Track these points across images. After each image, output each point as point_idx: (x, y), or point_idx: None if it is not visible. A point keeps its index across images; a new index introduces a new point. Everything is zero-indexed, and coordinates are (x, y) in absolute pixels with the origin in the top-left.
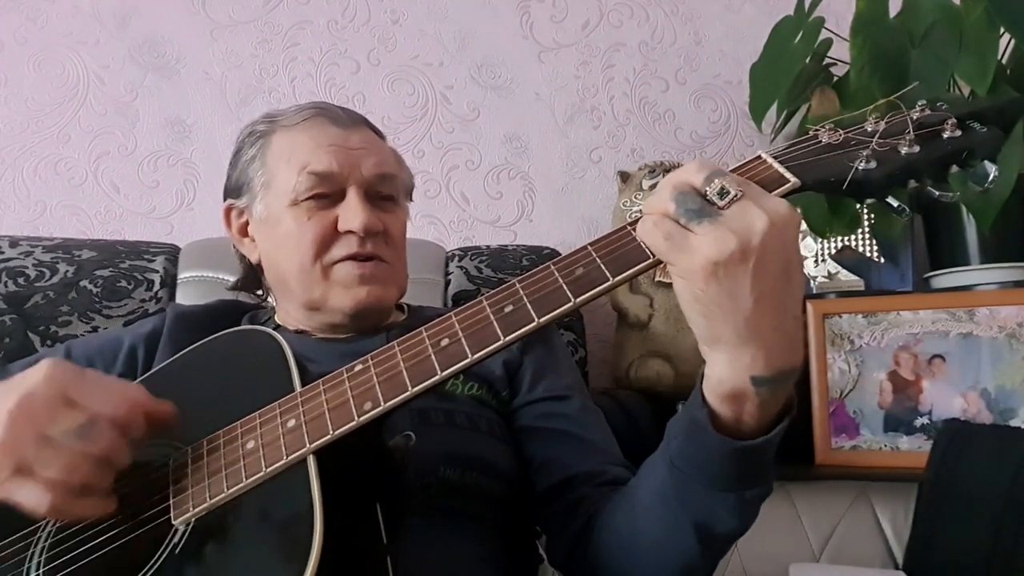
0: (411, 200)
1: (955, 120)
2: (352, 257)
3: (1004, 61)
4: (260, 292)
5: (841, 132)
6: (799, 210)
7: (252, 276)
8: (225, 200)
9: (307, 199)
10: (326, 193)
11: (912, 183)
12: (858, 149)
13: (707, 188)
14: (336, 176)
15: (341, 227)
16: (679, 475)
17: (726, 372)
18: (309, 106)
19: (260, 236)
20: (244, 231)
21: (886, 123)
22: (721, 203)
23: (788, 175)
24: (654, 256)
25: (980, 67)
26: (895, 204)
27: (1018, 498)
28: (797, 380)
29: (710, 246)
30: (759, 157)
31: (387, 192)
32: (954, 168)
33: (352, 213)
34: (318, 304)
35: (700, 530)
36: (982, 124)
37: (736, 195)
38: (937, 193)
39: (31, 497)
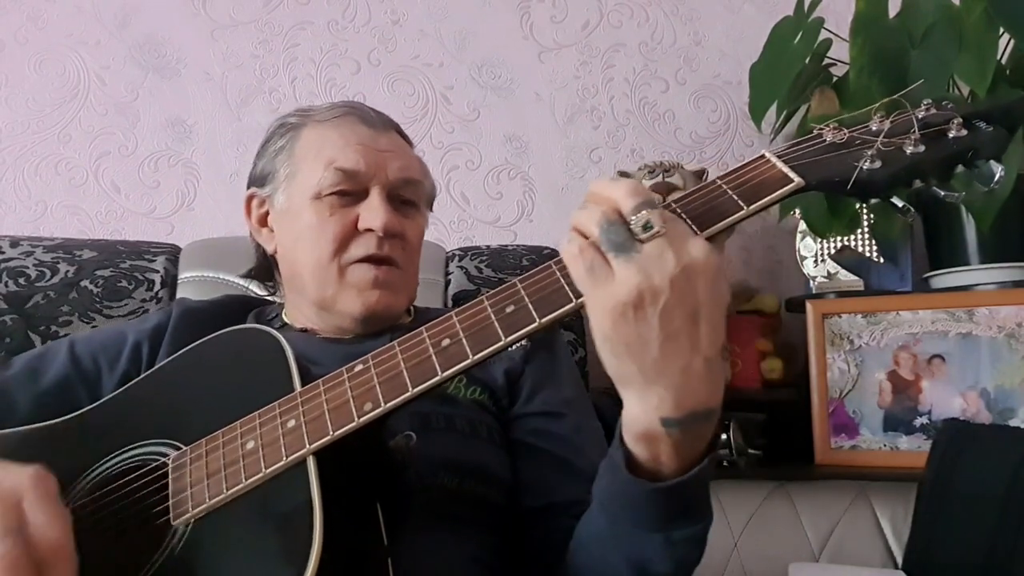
0: (431, 210)
1: (961, 119)
2: (369, 258)
3: (1004, 61)
4: (271, 284)
5: (846, 131)
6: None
7: (265, 267)
8: (248, 188)
9: (330, 194)
10: (350, 190)
11: (917, 183)
12: (863, 148)
13: (633, 217)
14: (362, 175)
15: (361, 225)
16: (606, 514)
17: (636, 412)
18: (342, 104)
19: (279, 227)
20: (263, 221)
21: (891, 122)
22: (643, 236)
23: (792, 175)
24: None
25: (980, 67)
26: (900, 204)
27: (1018, 498)
28: (718, 419)
29: (620, 286)
30: (763, 156)
31: (409, 197)
32: (959, 168)
33: (373, 212)
34: (329, 304)
35: (635, 570)
36: (988, 123)
37: (658, 231)
38: (943, 193)
39: None
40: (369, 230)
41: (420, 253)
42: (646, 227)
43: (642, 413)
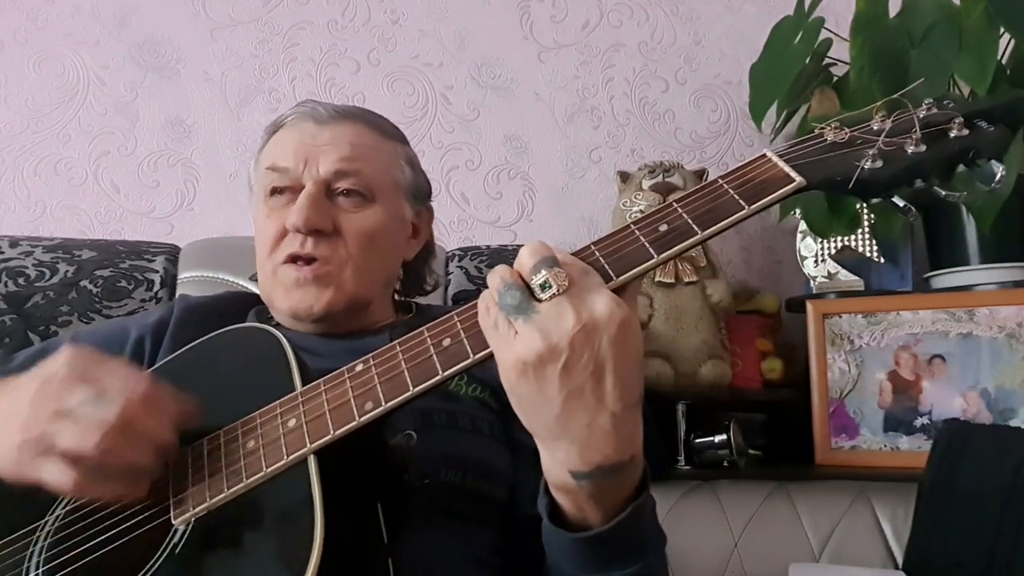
0: (420, 201)
1: (962, 119)
2: (294, 258)
3: (1004, 61)
4: None
5: (847, 131)
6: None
7: None
8: None
9: (271, 195)
10: (282, 188)
11: (918, 182)
12: (864, 148)
13: (533, 277)
14: (292, 171)
15: (286, 224)
16: (549, 549)
17: (547, 464)
18: (302, 103)
19: None
20: None
21: (892, 122)
22: (543, 296)
23: (794, 174)
24: (658, 256)
25: (980, 67)
26: (901, 204)
27: (1018, 498)
28: (637, 470)
29: (521, 344)
30: (764, 156)
31: (348, 188)
32: (960, 167)
33: (293, 210)
34: (268, 301)
35: None
36: (989, 123)
37: (557, 290)
38: (943, 193)
39: (54, 474)
40: (294, 229)
41: (374, 247)
42: (544, 287)
43: (551, 465)
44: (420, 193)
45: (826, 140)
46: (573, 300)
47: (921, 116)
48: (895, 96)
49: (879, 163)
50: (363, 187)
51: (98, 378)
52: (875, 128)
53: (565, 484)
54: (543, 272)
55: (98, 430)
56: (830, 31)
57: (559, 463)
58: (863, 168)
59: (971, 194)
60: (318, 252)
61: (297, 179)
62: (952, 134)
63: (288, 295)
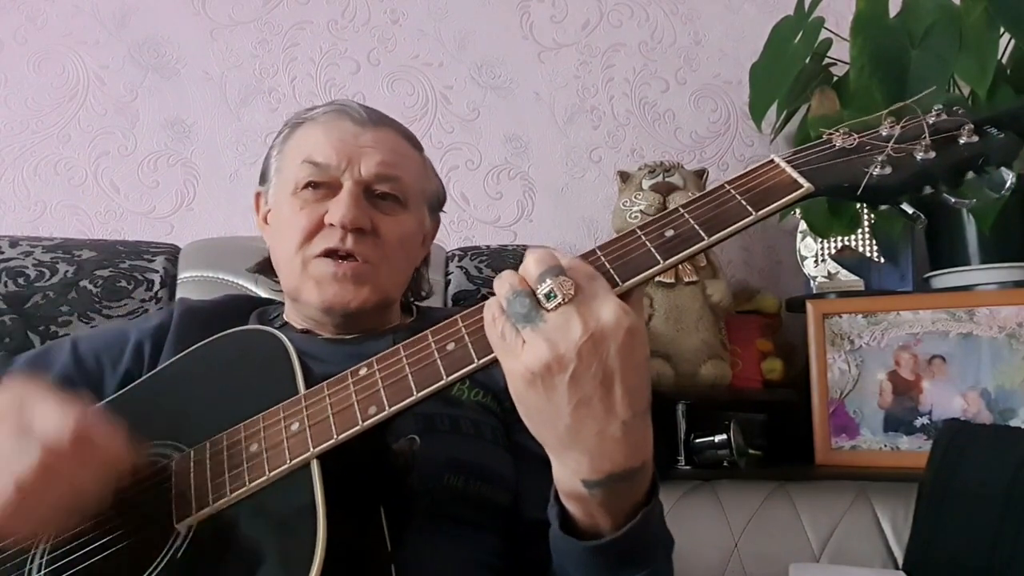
0: (442, 211)
1: (972, 125)
2: (331, 253)
3: (1004, 61)
4: (277, 279)
5: (855, 136)
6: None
7: (270, 263)
8: (258, 186)
9: (304, 188)
10: (320, 183)
11: (927, 189)
12: (873, 154)
13: (539, 286)
14: (332, 168)
15: (326, 219)
16: (557, 556)
17: (559, 473)
18: (336, 102)
19: (271, 222)
20: (267, 218)
21: (901, 128)
22: (549, 305)
23: (801, 180)
24: (664, 261)
25: (980, 67)
26: (909, 211)
27: (1018, 498)
28: (644, 477)
29: (528, 354)
30: (772, 161)
31: (386, 191)
32: (969, 174)
33: (337, 206)
34: (295, 295)
35: None
36: (999, 129)
37: (563, 299)
38: (953, 200)
39: None
40: (333, 224)
41: (404, 251)
42: (549, 296)
43: (562, 474)
44: (437, 204)
45: (834, 146)
46: (580, 309)
47: (931, 122)
48: (906, 102)
49: (888, 169)
50: (400, 192)
51: (29, 420)
52: (884, 134)
53: (576, 493)
54: (548, 281)
55: (12, 480)
56: (830, 31)
57: (570, 472)
58: (872, 174)
59: (980, 201)
60: (358, 250)
61: (336, 176)
62: (962, 141)
63: (321, 289)
